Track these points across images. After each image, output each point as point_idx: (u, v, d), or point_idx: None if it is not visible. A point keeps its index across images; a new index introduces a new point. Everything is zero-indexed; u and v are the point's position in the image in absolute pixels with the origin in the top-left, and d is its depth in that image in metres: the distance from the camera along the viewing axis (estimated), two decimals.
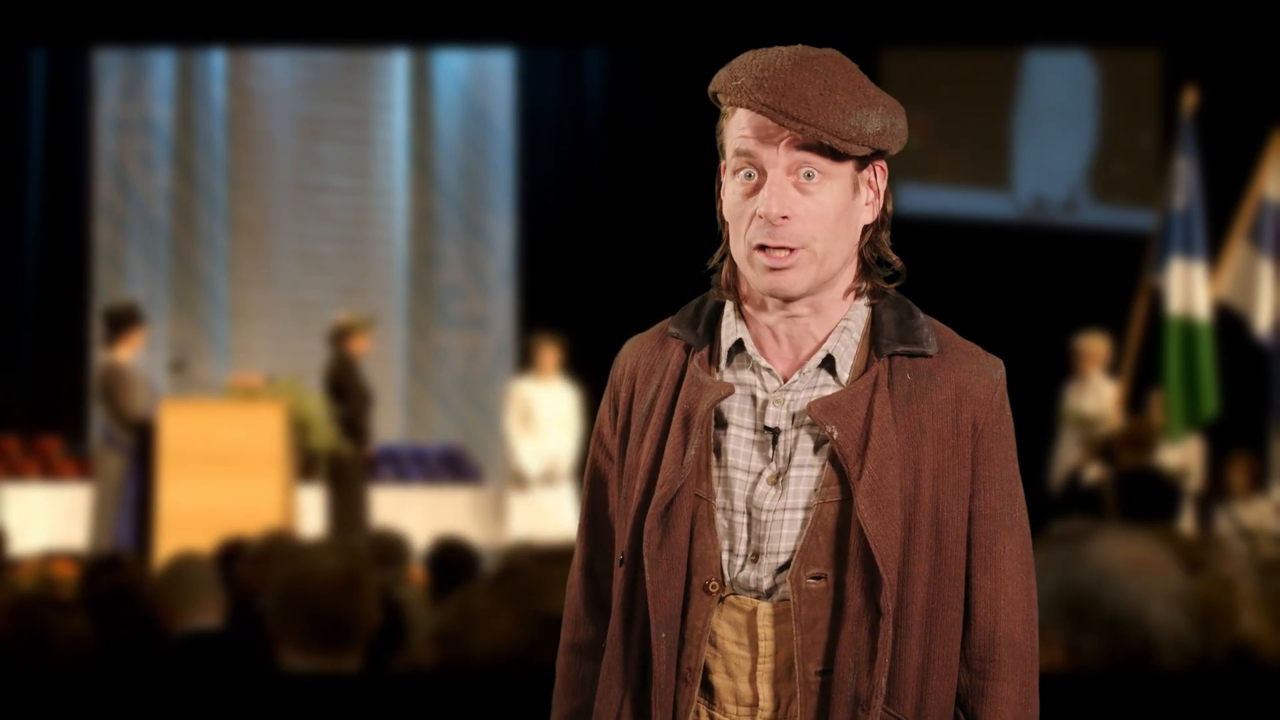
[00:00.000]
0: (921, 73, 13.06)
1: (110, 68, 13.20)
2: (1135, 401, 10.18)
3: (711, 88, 2.13)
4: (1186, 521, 9.74)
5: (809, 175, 2.07)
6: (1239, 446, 10.43)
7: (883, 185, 2.15)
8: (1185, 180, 9.75)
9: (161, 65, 13.37)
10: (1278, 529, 9.73)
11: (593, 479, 2.28)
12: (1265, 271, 9.72)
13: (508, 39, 13.13)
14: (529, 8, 11.63)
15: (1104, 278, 11.77)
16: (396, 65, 13.98)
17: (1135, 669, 3.27)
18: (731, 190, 2.12)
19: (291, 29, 12.04)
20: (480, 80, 14.11)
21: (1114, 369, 10.43)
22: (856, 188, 2.12)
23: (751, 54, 2.10)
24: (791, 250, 2.07)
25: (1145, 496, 7.98)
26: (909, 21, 11.67)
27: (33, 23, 11.20)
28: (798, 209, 2.07)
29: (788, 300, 2.11)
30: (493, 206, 14.12)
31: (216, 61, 13.51)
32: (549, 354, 10.86)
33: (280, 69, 13.67)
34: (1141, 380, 10.03)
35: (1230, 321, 9.83)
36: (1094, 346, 10.57)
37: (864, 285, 2.17)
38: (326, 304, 12.88)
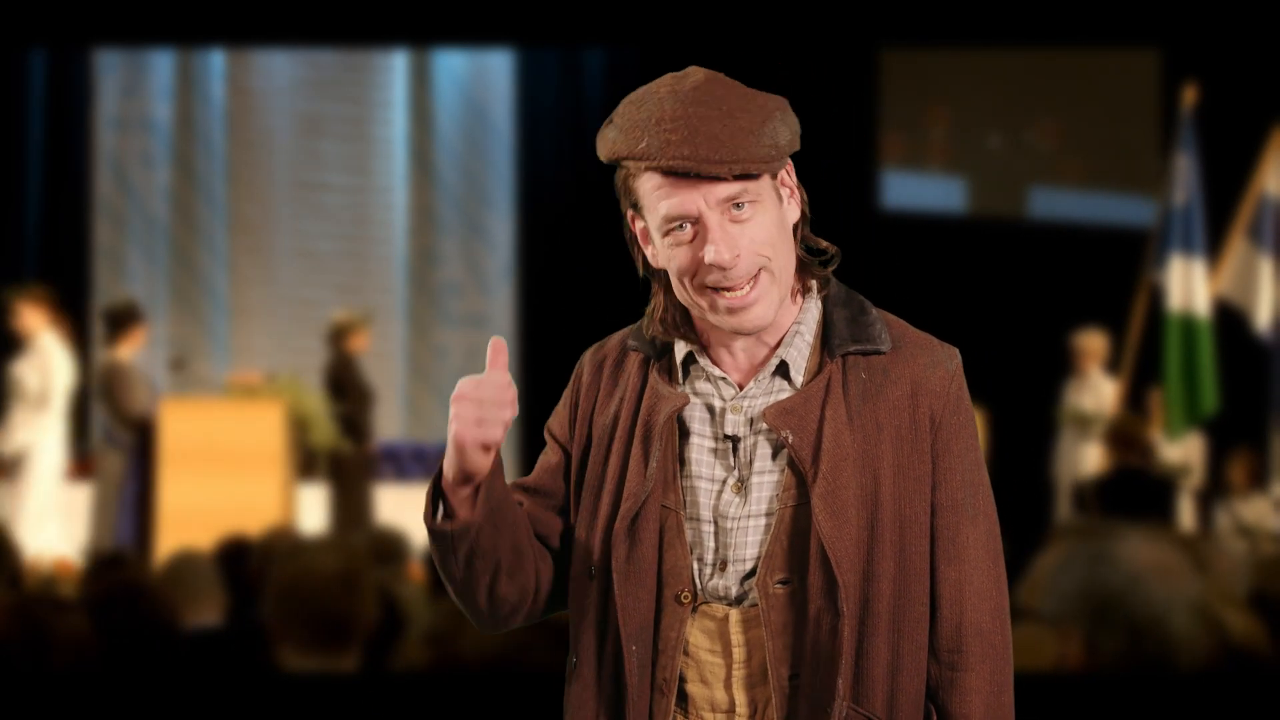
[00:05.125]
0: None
1: (110, 67, 13.20)
2: (1136, 399, 10.19)
3: (608, 154, 2.12)
4: (1186, 518, 9.75)
5: (739, 206, 2.08)
6: (1239, 443, 10.43)
7: (793, 179, 2.16)
8: (1185, 177, 9.75)
9: (161, 64, 13.37)
10: (1277, 526, 9.74)
11: (541, 467, 2.28)
12: (1265, 268, 9.72)
13: (508, 39, 13.13)
14: (529, 8, 11.63)
15: (1103, 274, 11.78)
16: (396, 63, 13.98)
17: (1146, 670, 3.28)
18: (665, 246, 2.11)
19: (291, 29, 12.04)
20: (480, 78, 14.11)
21: (1113, 365, 10.43)
22: (779, 195, 2.13)
23: (632, 108, 2.10)
24: (753, 281, 2.09)
25: (1132, 495, 7.97)
26: (909, 21, 11.68)
27: (33, 23, 11.21)
28: (742, 244, 2.08)
29: (755, 331, 2.13)
30: (492, 204, 14.12)
31: (216, 60, 13.51)
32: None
33: (280, 67, 13.68)
34: (1142, 377, 10.03)
35: (1230, 318, 9.83)
36: (1092, 343, 10.58)
37: (807, 282, 2.18)
38: (326, 302, 12.88)
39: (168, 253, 13.40)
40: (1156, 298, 9.80)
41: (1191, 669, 3.29)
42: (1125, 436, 8.53)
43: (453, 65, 14.05)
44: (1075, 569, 3.39)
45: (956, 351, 2.19)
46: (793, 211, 2.15)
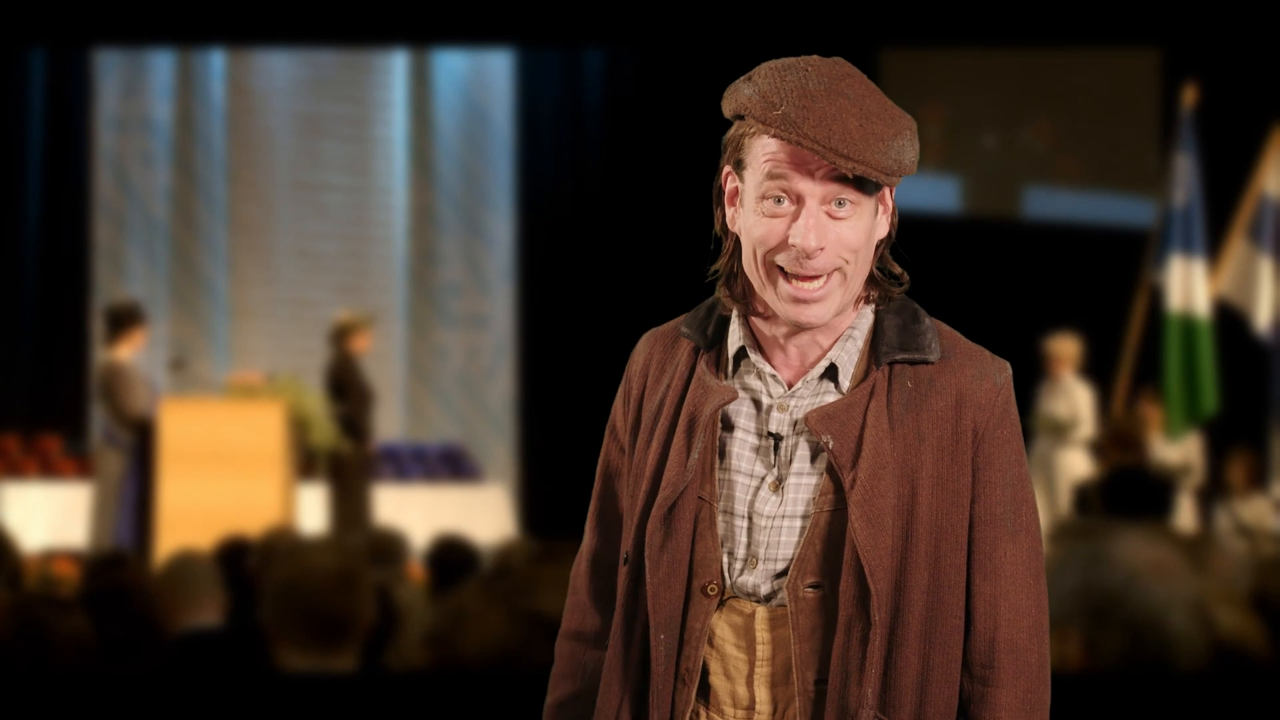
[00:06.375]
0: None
1: (110, 67, 13.20)
2: (1134, 399, 10.19)
3: (736, 108, 2.11)
4: (1185, 518, 9.75)
5: (840, 204, 2.08)
6: (1239, 443, 10.43)
7: (891, 201, 2.16)
8: (1185, 177, 9.75)
9: (161, 64, 13.37)
10: (1276, 526, 9.74)
11: (605, 471, 2.29)
12: (1265, 268, 9.72)
13: (508, 39, 13.13)
14: (529, 8, 11.63)
15: (1098, 274, 11.78)
16: (396, 63, 13.98)
17: (1145, 671, 3.27)
18: (755, 212, 2.10)
19: (291, 29, 12.04)
20: (480, 78, 14.11)
21: (1089, 370, 10.37)
22: (876, 207, 2.13)
23: (776, 73, 2.08)
24: (826, 279, 2.08)
25: (1131, 495, 7.97)
26: (908, 21, 11.67)
27: (33, 23, 11.21)
28: (830, 238, 2.07)
29: (809, 327, 2.12)
30: (492, 204, 14.12)
31: (216, 60, 13.52)
32: None
33: (280, 67, 13.68)
34: (1141, 377, 10.03)
35: (1230, 318, 9.83)
36: (1063, 348, 10.39)
37: (871, 293, 2.17)
38: (326, 302, 12.89)
39: (168, 253, 13.40)
40: (1156, 298, 9.80)
41: (1190, 669, 3.29)
42: (1123, 436, 8.52)
43: (453, 65, 14.05)
44: (1073, 569, 3.39)
45: (1008, 365, 2.18)
46: (882, 227, 2.15)
